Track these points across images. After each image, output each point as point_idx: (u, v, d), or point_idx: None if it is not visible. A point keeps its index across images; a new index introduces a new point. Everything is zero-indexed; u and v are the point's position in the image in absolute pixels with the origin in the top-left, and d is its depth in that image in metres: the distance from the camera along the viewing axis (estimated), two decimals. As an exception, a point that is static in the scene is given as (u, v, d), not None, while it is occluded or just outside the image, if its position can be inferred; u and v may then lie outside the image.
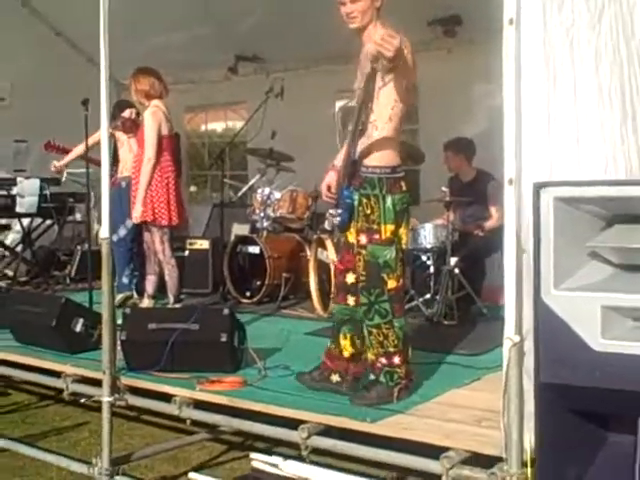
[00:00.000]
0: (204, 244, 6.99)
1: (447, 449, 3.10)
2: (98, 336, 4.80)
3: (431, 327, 5.35)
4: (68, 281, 7.51)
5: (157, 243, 5.63)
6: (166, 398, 4.11)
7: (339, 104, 8.01)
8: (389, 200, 3.57)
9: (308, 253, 6.58)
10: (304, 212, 6.54)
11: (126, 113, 5.76)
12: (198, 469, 4.25)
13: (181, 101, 8.20)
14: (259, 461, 4.45)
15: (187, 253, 6.93)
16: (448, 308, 5.45)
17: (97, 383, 4.35)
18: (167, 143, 5.63)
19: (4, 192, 7.03)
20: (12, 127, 7.48)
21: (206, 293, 6.85)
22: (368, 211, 3.59)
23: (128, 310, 4.28)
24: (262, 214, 6.51)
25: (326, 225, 6.52)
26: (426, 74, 7.14)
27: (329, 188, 3.87)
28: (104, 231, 4.10)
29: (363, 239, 3.61)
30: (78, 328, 4.73)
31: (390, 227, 3.58)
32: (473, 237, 5.93)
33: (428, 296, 5.66)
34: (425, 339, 4.84)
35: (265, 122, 6.57)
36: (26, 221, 7.39)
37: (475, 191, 5.92)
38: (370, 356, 3.69)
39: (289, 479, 3.86)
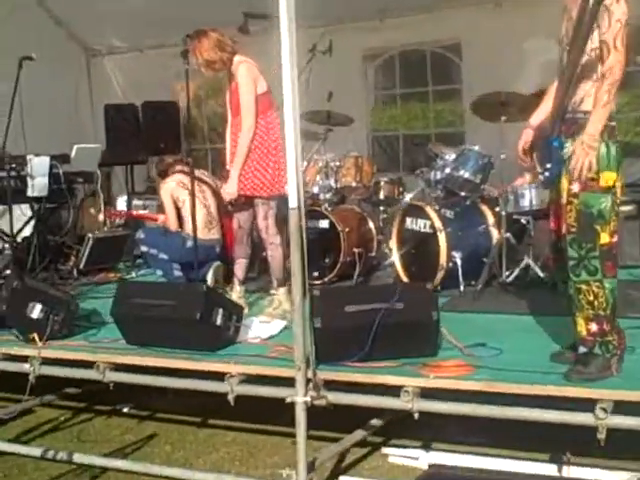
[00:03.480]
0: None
1: None
2: (235, 329, 4.15)
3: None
4: (76, 274, 6.53)
5: (260, 219, 4.76)
6: (358, 390, 3.56)
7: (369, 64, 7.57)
8: (613, 147, 3.27)
9: (371, 225, 6.07)
10: (370, 180, 5.99)
11: None
12: (339, 474, 3.80)
13: (170, 66, 7.32)
14: (396, 456, 4.06)
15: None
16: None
17: (266, 382, 3.72)
18: (268, 101, 4.71)
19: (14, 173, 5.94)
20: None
21: (252, 277, 6.03)
22: None
23: (316, 292, 3.58)
24: (322, 184, 5.91)
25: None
26: (472, 29, 6.93)
27: (526, 147, 3.63)
28: (292, 200, 3.47)
29: (576, 187, 3.29)
30: (219, 321, 4.00)
31: (611, 175, 3.27)
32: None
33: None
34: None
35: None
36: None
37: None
38: (579, 321, 3.35)
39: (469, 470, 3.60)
